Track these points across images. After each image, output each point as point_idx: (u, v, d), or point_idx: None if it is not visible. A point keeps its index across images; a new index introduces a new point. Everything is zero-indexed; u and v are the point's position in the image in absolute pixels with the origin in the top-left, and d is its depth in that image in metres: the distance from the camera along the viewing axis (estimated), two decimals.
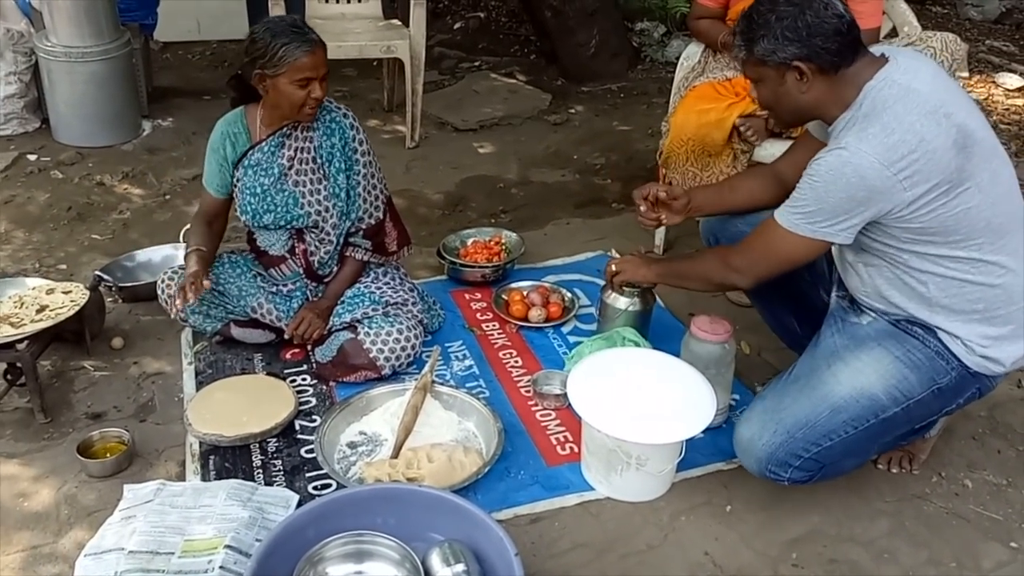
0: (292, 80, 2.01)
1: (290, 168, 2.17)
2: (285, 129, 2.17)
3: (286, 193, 2.18)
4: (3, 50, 3.52)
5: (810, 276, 1.95)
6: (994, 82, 4.18)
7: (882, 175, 1.53)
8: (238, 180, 2.20)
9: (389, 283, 2.30)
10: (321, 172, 2.19)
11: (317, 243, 2.26)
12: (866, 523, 1.84)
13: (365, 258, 2.29)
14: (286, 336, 2.25)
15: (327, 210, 2.19)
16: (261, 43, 2.00)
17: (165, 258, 2.71)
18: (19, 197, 3.19)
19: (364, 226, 2.26)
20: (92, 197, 3.21)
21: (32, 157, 3.48)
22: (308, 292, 2.31)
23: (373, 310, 2.21)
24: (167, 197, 3.24)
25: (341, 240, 2.26)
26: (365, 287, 2.28)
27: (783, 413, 1.69)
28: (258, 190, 2.18)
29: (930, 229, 1.59)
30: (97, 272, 2.52)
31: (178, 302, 2.06)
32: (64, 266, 2.76)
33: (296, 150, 2.17)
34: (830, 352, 1.75)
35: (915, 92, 1.56)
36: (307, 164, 2.18)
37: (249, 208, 2.20)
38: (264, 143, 2.17)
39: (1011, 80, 4.15)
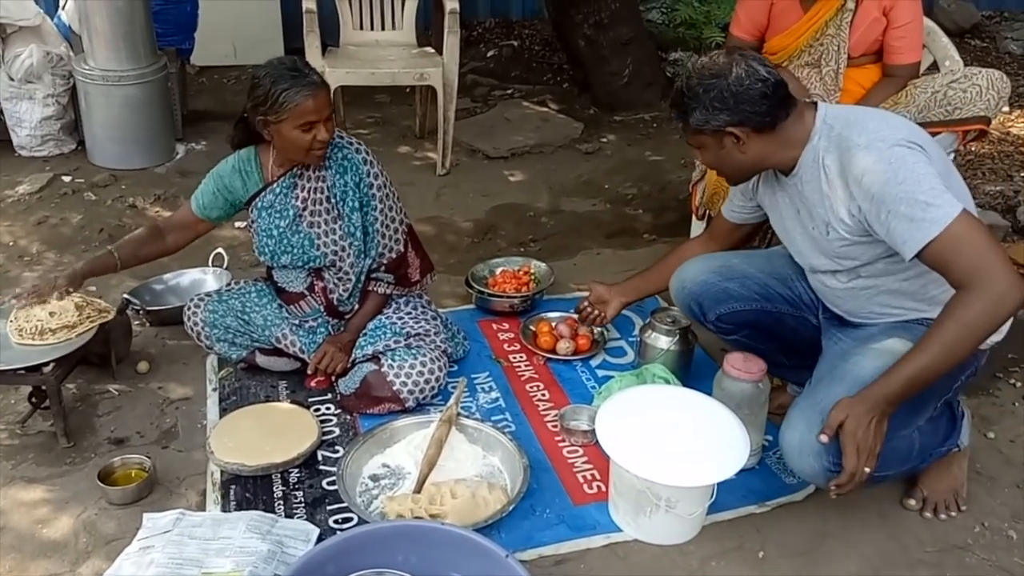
0: (296, 125, 1.98)
1: (304, 209, 2.16)
2: (296, 170, 2.15)
3: (301, 235, 2.17)
4: (42, 73, 3.59)
5: (795, 310, 1.97)
6: None
7: (924, 143, 1.61)
8: (252, 221, 2.21)
9: (411, 313, 2.27)
10: (336, 211, 2.16)
11: (336, 281, 2.25)
12: (905, 574, 1.76)
13: (388, 291, 2.27)
14: (309, 371, 2.23)
15: (343, 249, 2.18)
16: (261, 89, 1.97)
17: (193, 282, 2.71)
18: (52, 218, 3.22)
19: (385, 261, 2.23)
20: (124, 219, 3.24)
21: (67, 179, 3.53)
22: (331, 328, 2.29)
23: (395, 342, 2.18)
24: None
25: (362, 277, 2.24)
26: (387, 318, 2.25)
27: (822, 404, 1.63)
28: (274, 232, 2.18)
29: None
30: (125, 295, 2.52)
31: (22, 298, 2.08)
32: (94, 288, 2.76)
33: (309, 191, 2.16)
34: (843, 352, 1.76)
35: (866, 110, 1.75)
36: (321, 204, 2.16)
37: (267, 250, 2.21)
38: (276, 184, 2.16)
39: None
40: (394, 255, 2.24)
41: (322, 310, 2.28)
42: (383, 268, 2.24)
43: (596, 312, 2.31)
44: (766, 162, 1.77)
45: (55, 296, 2.10)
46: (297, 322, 2.27)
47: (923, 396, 1.68)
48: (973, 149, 3.75)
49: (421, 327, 2.23)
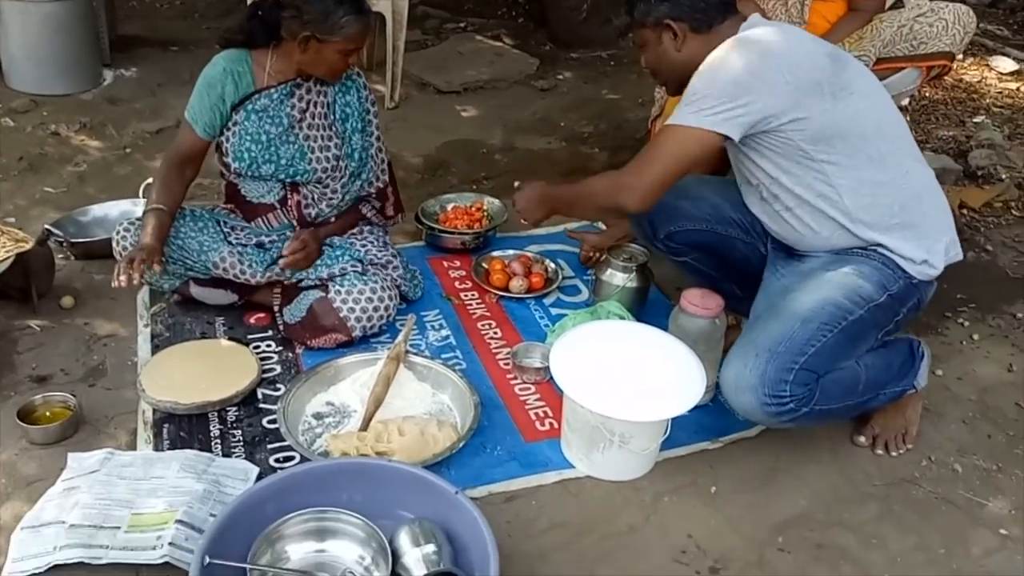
0: (340, 50, 1.97)
1: (300, 121, 2.08)
2: (297, 79, 2.06)
3: (294, 146, 2.08)
4: None
5: (746, 236, 1.97)
6: (987, 65, 4.12)
7: (763, 63, 1.64)
8: (235, 123, 2.06)
9: (374, 243, 2.20)
10: (332, 129, 2.12)
11: (317, 197, 2.16)
12: (855, 507, 1.77)
13: (369, 215, 2.27)
14: (284, 253, 2.08)
15: (335, 168, 2.12)
16: (321, 6, 1.91)
17: (122, 213, 2.55)
18: None
19: (372, 190, 2.24)
20: (46, 148, 3.03)
21: None
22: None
23: (352, 267, 2.11)
24: (127, 150, 3.06)
25: (346, 198, 2.19)
26: (348, 242, 2.18)
27: (758, 340, 1.67)
28: (262, 138, 2.06)
29: (828, 131, 1.66)
30: (47, 226, 2.35)
31: (122, 279, 1.83)
32: (13, 219, 2.58)
33: (308, 103, 2.09)
34: (782, 289, 1.79)
35: (784, 26, 1.81)
36: (318, 119, 2.10)
37: (247, 156, 2.07)
38: (273, 90, 2.05)
39: (1005, 64, 4.09)
40: (380, 184, 2.26)
41: (294, 224, 2.18)
42: (371, 196, 2.25)
43: (597, 255, 2.38)
44: (698, 65, 1.75)
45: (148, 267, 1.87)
46: (245, 241, 2.14)
47: (859, 325, 1.70)
48: (927, 94, 3.75)
49: (379, 257, 2.17)
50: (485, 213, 2.63)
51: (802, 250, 1.84)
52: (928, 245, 1.73)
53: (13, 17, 3.30)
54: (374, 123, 2.20)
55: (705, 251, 2.03)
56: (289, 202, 2.16)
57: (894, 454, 1.90)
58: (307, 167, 2.10)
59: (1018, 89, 3.92)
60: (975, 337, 2.31)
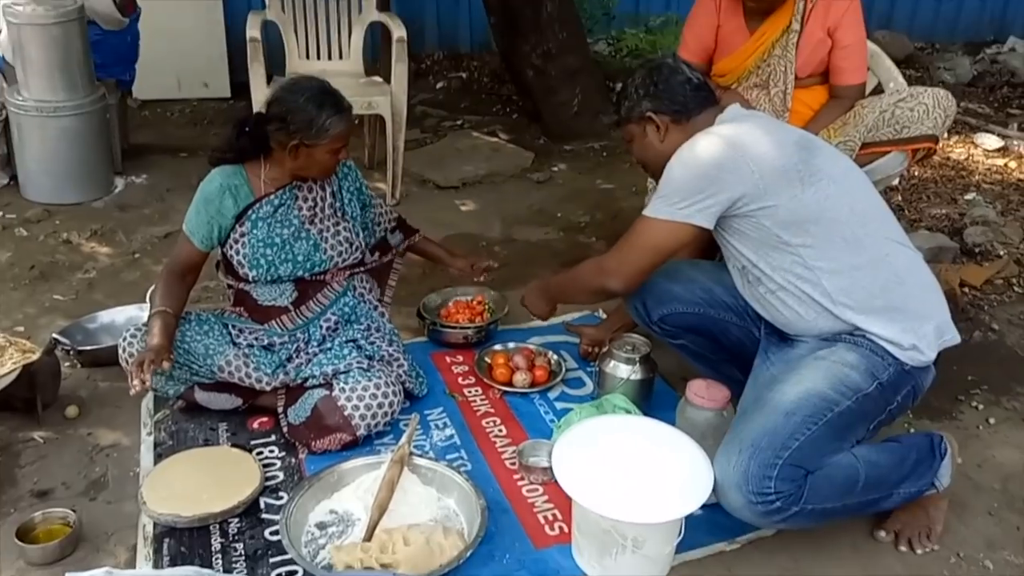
0: (329, 149, 2.05)
1: (314, 216, 2.17)
2: (295, 181, 2.14)
3: (308, 242, 2.16)
4: None
5: (739, 320, 2.00)
6: (973, 143, 4.20)
7: (729, 155, 1.71)
8: (242, 235, 2.11)
9: (381, 339, 2.23)
10: (339, 215, 2.22)
11: (329, 282, 2.24)
12: None
13: (414, 238, 2.47)
14: (477, 276, 2.43)
15: (347, 251, 2.21)
16: (304, 115, 2.00)
17: (129, 319, 2.57)
18: None
19: (389, 227, 2.42)
20: (57, 256, 3.08)
21: None
22: (300, 345, 2.20)
23: (358, 363, 2.11)
24: (136, 256, 3.11)
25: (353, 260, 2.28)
26: (351, 339, 2.20)
27: (741, 436, 1.67)
28: (276, 240, 2.12)
29: (799, 216, 1.71)
30: (54, 335, 2.37)
31: (135, 383, 1.87)
32: (22, 328, 2.60)
33: (315, 200, 2.18)
34: (769, 380, 1.79)
35: (755, 115, 1.90)
36: (327, 211, 2.19)
37: (263, 261, 2.12)
38: (273, 196, 2.12)
39: (989, 140, 4.16)
40: (392, 221, 2.45)
41: (305, 323, 2.21)
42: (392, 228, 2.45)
43: (597, 349, 2.40)
44: None
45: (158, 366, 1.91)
46: (253, 341, 2.16)
47: (846, 417, 1.67)
48: (917, 174, 3.81)
49: (386, 352, 2.19)
50: (487, 306, 2.64)
51: (792, 334, 1.84)
52: (915, 328, 1.71)
53: (32, 132, 3.41)
54: (371, 195, 2.34)
55: (699, 334, 2.04)
56: (301, 303, 2.19)
57: (919, 552, 1.82)
58: (323, 256, 2.17)
59: (1005, 165, 3.99)
60: (991, 421, 2.27)
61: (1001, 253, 3.11)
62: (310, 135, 2.01)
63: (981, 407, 2.32)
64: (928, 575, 1.78)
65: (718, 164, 1.71)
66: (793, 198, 1.70)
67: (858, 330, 1.73)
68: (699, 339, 2.04)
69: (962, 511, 1.95)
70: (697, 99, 1.85)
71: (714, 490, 1.67)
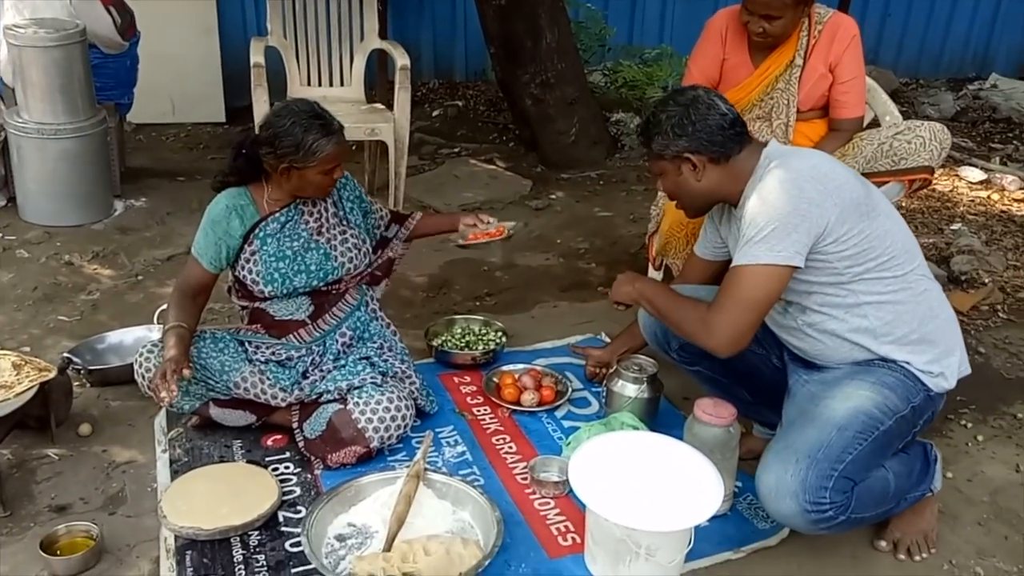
0: (321, 170, 2.08)
1: (320, 228, 2.22)
2: (296, 201, 2.20)
3: (318, 252, 2.21)
4: None
5: (757, 347, 2.00)
6: (957, 175, 4.35)
7: (815, 188, 1.69)
8: (252, 253, 2.16)
9: (395, 355, 2.28)
10: (346, 224, 2.28)
11: (343, 293, 2.29)
12: None
13: (410, 222, 2.47)
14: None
15: (356, 257, 2.27)
16: (291, 139, 2.03)
17: (137, 340, 2.58)
18: None
19: (384, 223, 2.44)
20: (59, 277, 3.09)
21: None
22: (316, 358, 2.24)
23: (372, 379, 2.16)
24: (139, 278, 3.13)
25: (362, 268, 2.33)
26: (365, 356, 2.24)
27: (796, 445, 1.70)
28: (288, 253, 2.17)
29: (860, 250, 1.73)
30: (66, 354, 2.39)
31: (163, 395, 1.92)
32: (28, 348, 2.61)
33: (320, 213, 2.24)
34: (810, 396, 1.83)
35: (811, 151, 1.90)
36: (331, 220, 2.25)
37: (278, 275, 2.16)
38: (279, 213, 2.18)
39: (973, 174, 4.31)
40: (386, 217, 2.47)
41: (323, 335, 2.25)
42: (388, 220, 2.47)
43: (602, 370, 2.44)
44: (718, 193, 1.86)
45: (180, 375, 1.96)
46: (283, 355, 2.20)
47: (887, 436, 1.74)
48: (904, 204, 3.95)
49: (399, 369, 2.24)
50: (508, 232, 2.61)
51: (821, 363, 1.88)
52: (942, 359, 1.80)
53: (31, 153, 3.43)
54: (368, 199, 2.39)
55: (716, 360, 2.03)
56: (318, 315, 2.24)
57: (917, 559, 1.90)
58: (334, 264, 2.22)
59: (988, 197, 4.14)
60: (979, 438, 2.36)
61: (986, 280, 3.23)
62: (299, 158, 2.04)
63: (970, 425, 2.42)
64: None
65: (807, 199, 1.68)
66: (860, 232, 1.71)
67: (890, 359, 1.79)
68: (715, 364, 2.05)
69: (954, 522, 2.03)
70: (735, 139, 1.80)
71: (758, 495, 1.73)
